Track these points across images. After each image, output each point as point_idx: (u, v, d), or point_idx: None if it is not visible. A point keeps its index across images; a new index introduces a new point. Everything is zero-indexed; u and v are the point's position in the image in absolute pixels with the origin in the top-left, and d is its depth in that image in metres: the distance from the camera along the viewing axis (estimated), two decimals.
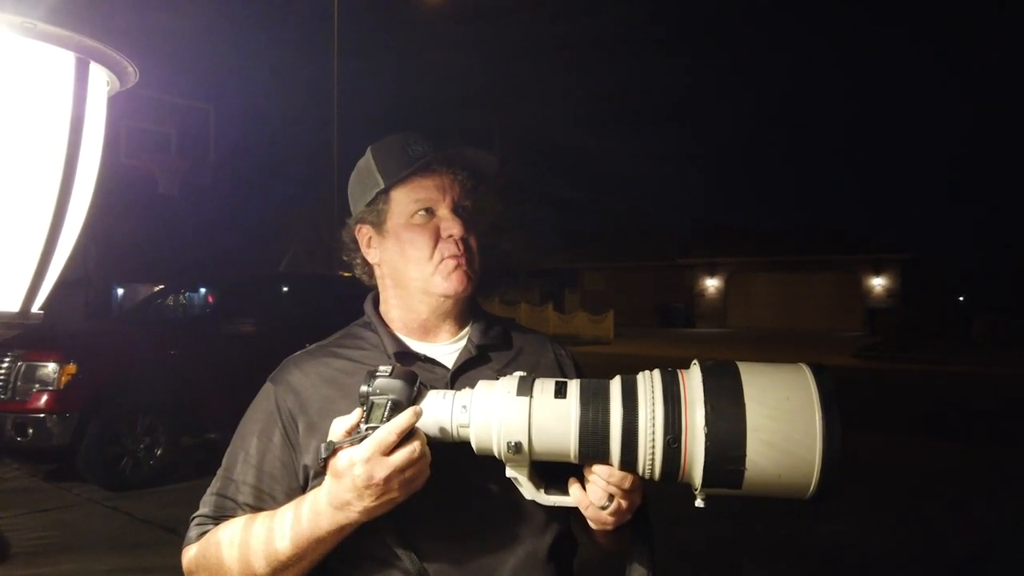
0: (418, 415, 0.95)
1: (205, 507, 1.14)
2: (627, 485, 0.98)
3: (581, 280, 35.27)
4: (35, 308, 0.61)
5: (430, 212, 1.17)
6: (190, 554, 1.10)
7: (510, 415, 0.97)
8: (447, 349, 1.22)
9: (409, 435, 0.94)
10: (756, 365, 0.96)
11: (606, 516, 1.01)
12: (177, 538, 4.67)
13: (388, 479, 0.92)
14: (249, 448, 1.16)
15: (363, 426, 0.95)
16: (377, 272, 1.25)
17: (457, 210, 1.17)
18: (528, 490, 1.03)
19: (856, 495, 5.30)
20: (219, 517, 1.12)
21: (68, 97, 0.57)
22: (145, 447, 5.89)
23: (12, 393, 5.39)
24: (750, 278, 32.74)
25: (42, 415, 5.36)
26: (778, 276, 31.88)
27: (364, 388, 0.97)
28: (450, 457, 1.00)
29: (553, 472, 1.04)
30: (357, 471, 0.92)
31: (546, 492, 1.03)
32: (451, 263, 1.16)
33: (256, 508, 1.12)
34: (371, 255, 1.24)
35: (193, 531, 1.12)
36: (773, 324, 30.11)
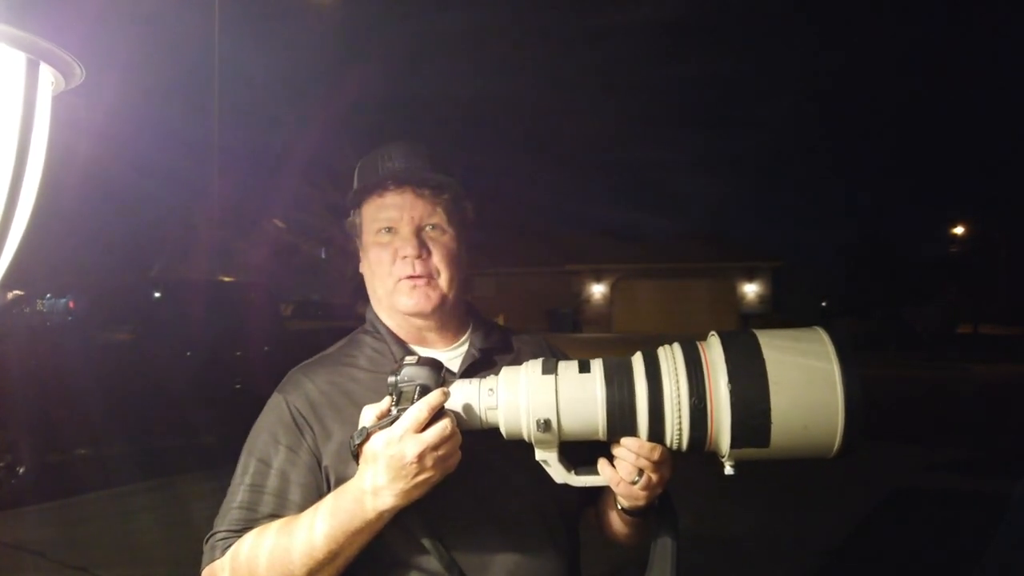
0: (447, 394, 0.97)
1: (226, 523, 1.08)
2: (656, 456, 0.99)
3: (471, 286, 35.40)
4: None
5: (392, 231, 1.17)
6: (217, 572, 1.05)
7: (538, 393, 0.99)
8: (451, 354, 1.23)
9: (439, 414, 0.95)
10: (771, 330, 0.98)
11: (637, 491, 1.02)
12: (46, 562, 4.37)
13: (422, 456, 0.92)
14: (268, 458, 1.12)
15: (394, 410, 0.95)
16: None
17: (422, 229, 1.17)
18: (558, 472, 1.03)
19: (748, 486, 5.60)
20: (243, 531, 1.07)
21: (18, 99, 0.54)
22: (6, 465, 5.42)
23: None
24: (634, 284, 33.90)
25: None
26: (660, 282, 33.19)
27: (392, 378, 0.98)
28: (474, 450, 1.01)
29: (581, 457, 1.05)
30: (391, 451, 0.93)
31: (576, 474, 1.04)
32: (407, 283, 1.17)
33: (282, 517, 1.08)
34: (361, 264, 1.25)
35: (215, 549, 1.06)
36: (656, 329, 31.27)
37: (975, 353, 20.70)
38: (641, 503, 1.05)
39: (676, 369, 0.96)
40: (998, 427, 9.38)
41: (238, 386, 7.00)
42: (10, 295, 8.36)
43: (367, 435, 0.95)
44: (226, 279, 10.92)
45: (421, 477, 0.94)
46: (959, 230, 37.42)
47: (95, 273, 12.68)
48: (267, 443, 1.13)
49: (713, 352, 0.97)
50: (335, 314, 14.23)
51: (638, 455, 0.99)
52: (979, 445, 8.11)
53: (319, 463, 1.12)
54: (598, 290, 34.48)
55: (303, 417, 1.14)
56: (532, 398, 0.99)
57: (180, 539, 4.86)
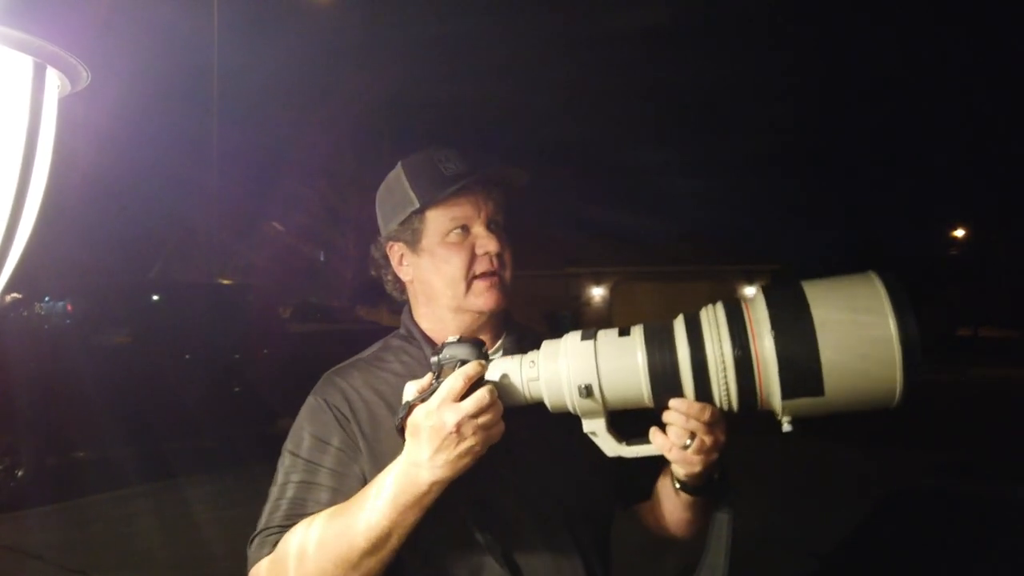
0: (483, 366, 0.98)
1: (276, 520, 1.08)
2: (707, 417, 0.96)
3: None
4: None
5: (465, 230, 1.17)
6: (264, 567, 1.04)
7: (577, 359, 0.97)
8: None
9: (479, 384, 0.96)
10: (818, 279, 0.93)
11: (691, 456, 0.99)
12: (45, 565, 4.36)
13: (460, 425, 0.93)
14: (314, 455, 1.12)
15: (435, 383, 0.97)
16: (410, 289, 1.26)
17: (491, 226, 1.18)
18: (608, 444, 1.01)
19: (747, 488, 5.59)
20: (290, 526, 1.06)
21: (25, 103, 0.54)
22: (4, 468, 5.42)
23: None
24: (633, 287, 33.92)
25: None
26: (659, 285, 33.19)
27: (434, 358, 1.00)
28: (506, 446, 1.02)
29: (633, 430, 1.03)
30: (431, 421, 0.94)
31: (627, 444, 1.02)
32: (486, 281, 1.17)
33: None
34: (403, 272, 1.24)
35: (264, 545, 1.06)
36: None
37: (975, 356, 20.71)
38: (697, 468, 1.01)
39: (718, 326, 0.93)
40: (998, 430, 9.38)
41: (237, 389, 7.00)
42: (8, 298, 8.33)
43: (409, 409, 0.97)
44: (225, 282, 10.92)
45: (463, 446, 0.94)
46: (959, 232, 37.42)
47: (93, 275, 12.67)
48: (311, 441, 1.14)
49: (756, 305, 0.93)
50: (334, 316, 14.21)
51: (688, 416, 0.96)
52: (979, 448, 8.11)
53: (357, 461, 1.13)
54: (597, 293, 34.49)
55: (343, 415, 1.15)
56: (572, 365, 0.97)
57: (180, 542, 4.86)
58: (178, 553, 4.64)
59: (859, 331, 0.87)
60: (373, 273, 1.30)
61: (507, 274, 1.20)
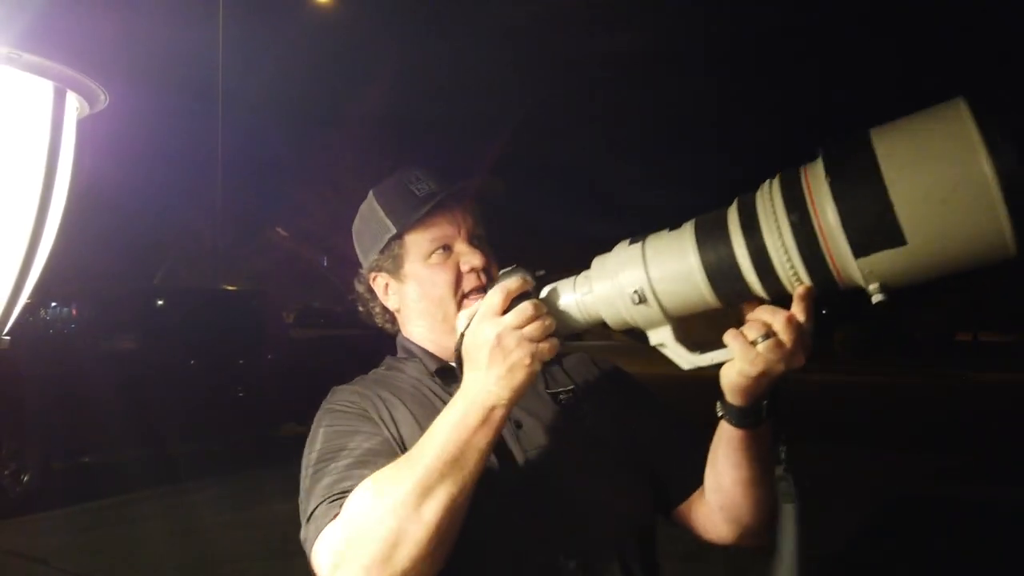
0: (527, 281, 0.93)
1: (333, 489, 0.98)
2: (790, 328, 0.86)
3: None
4: (3, 334, 0.61)
5: (447, 249, 1.15)
6: (337, 528, 0.94)
7: (626, 265, 0.90)
8: None
9: (524, 299, 0.92)
10: (894, 120, 0.77)
11: (761, 351, 0.87)
12: (49, 570, 4.39)
13: (501, 336, 0.89)
14: (340, 437, 1.05)
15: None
16: (399, 317, 1.23)
17: (473, 241, 1.16)
18: (678, 355, 0.92)
19: None
20: (351, 488, 0.96)
21: (46, 126, 0.57)
22: (10, 473, 5.46)
23: None
24: None
25: None
26: None
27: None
28: (559, 458, 1.03)
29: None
30: (475, 340, 0.91)
31: (702, 353, 0.92)
32: (477, 297, 1.13)
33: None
34: (390, 302, 1.22)
35: (326, 513, 0.96)
36: None
37: (975, 360, 20.67)
38: (758, 368, 0.88)
39: (772, 199, 0.81)
40: (998, 434, 9.37)
41: (241, 394, 7.03)
42: None
43: (461, 336, 0.95)
44: (229, 287, 10.97)
45: (512, 359, 0.89)
46: None
47: (98, 281, 12.72)
48: (337, 428, 1.07)
49: (814, 164, 0.80)
50: (338, 321, 14.24)
51: (772, 314, 0.87)
52: (979, 452, 8.11)
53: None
54: None
55: (361, 406, 1.11)
56: (622, 272, 0.90)
57: (185, 546, 4.88)
58: (183, 557, 4.67)
59: (941, 162, 0.71)
60: (361, 309, 1.27)
61: None
